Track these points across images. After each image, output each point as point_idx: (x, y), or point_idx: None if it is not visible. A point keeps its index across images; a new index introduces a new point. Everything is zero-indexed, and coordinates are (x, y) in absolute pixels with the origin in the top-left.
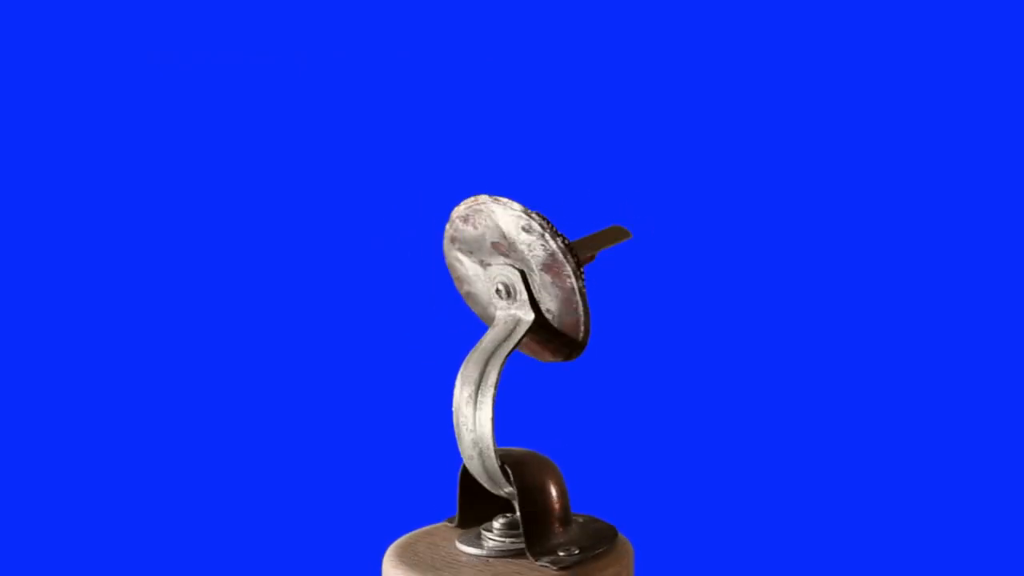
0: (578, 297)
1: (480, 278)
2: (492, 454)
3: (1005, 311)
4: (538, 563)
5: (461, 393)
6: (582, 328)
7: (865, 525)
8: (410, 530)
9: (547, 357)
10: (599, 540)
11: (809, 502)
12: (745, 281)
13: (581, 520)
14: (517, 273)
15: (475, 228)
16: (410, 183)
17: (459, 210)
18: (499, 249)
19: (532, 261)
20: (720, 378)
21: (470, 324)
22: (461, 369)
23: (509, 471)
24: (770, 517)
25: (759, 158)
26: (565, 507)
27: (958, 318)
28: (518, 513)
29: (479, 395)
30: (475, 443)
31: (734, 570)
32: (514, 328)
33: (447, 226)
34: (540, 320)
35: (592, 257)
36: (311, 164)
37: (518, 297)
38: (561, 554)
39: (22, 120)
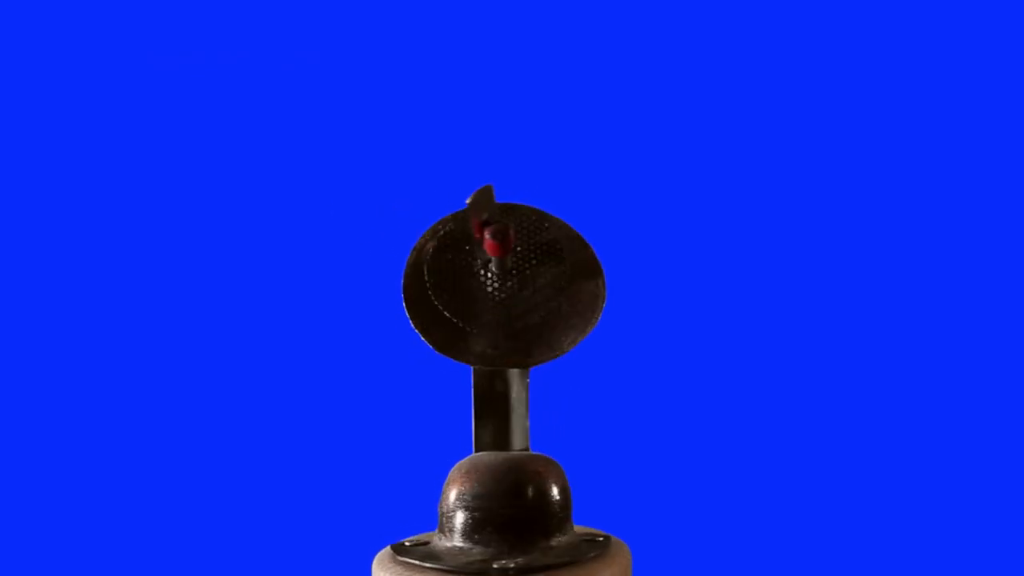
0: None
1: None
2: None
3: (995, 308)
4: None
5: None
6: None
7: (858, 522)
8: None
9: None
10: None
11: (805, 503)
12: (737, 284)
13: None
14: None
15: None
16: (401, 183)
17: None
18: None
19: None
20: (715, 379)
21: None
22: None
23: None
24: (767, 519)
25: (751, 159)
26: None
27: (956, 318)
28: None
29: None
30: None
31: (731, 573)
32: None
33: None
34: None
35: None
36: (304, 165)
37: None
38: None
39: (18, 120)
